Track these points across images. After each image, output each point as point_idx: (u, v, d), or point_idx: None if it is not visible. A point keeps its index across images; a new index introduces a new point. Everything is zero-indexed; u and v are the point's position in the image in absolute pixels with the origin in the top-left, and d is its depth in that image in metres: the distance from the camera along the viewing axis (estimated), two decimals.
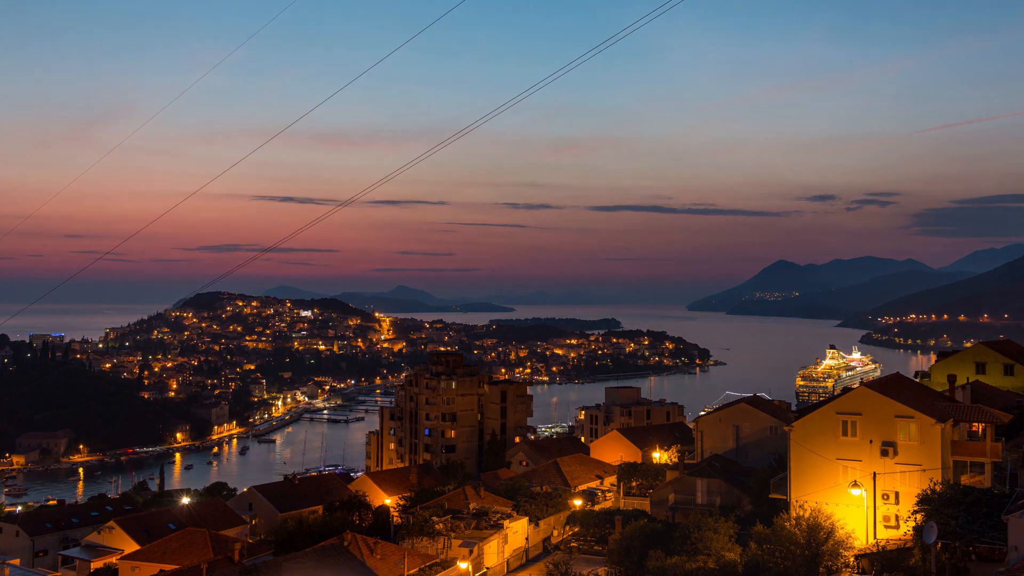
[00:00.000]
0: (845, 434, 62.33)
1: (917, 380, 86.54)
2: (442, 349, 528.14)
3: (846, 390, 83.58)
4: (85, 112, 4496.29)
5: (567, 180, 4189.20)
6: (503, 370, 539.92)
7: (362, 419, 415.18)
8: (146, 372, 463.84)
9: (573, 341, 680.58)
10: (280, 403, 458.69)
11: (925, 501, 55.11)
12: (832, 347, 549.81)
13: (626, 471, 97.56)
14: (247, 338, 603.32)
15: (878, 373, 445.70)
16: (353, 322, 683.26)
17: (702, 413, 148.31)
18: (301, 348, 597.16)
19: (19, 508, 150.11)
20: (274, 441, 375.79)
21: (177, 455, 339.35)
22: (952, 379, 73.63)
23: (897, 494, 60.01)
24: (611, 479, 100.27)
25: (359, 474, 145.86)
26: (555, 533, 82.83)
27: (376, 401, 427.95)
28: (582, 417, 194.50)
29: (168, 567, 65.06)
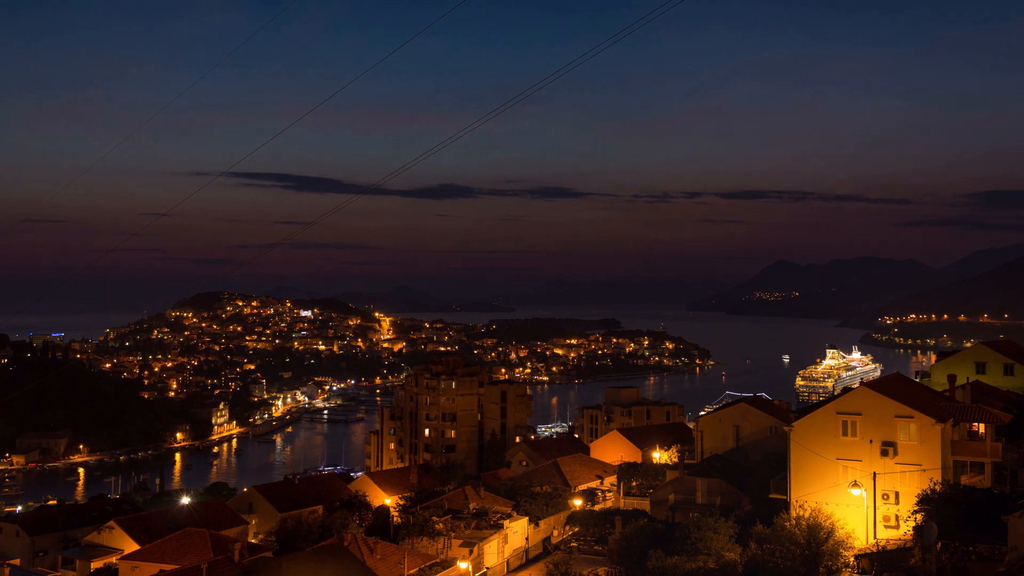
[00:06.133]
0: (845, 434, 62.38)
1: (917, 380, 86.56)
2: (442, 349, 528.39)
3: (846, 390, 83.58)
4: (73, 88, 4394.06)
5: (565, 178, 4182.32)
6: (503, 370, 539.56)
7: (362, 419, 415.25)
8: (146, 372, 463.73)
9: (573, 341, 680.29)
10: (280, 403, 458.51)
11: (925, 501, 55.19)
12: (832, 347, 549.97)
13: (626, 471, 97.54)
14: (247, 338, 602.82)
15: (878, 373, 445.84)
16: (353, 322, 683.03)
17: (702, 413, 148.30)
18: (301, 348, 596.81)
19: (19, 508, 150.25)
20: (274, 441, 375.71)
21: (177, 455, 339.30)
22: (952, 379, 73.71)
23: (897, 494, 60.05)
24: (611, 479, 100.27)
25: (359, 474, 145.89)
26: (555, 533, 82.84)
27: (376, 401, 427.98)
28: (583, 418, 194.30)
29: (168, 567, 65.10)
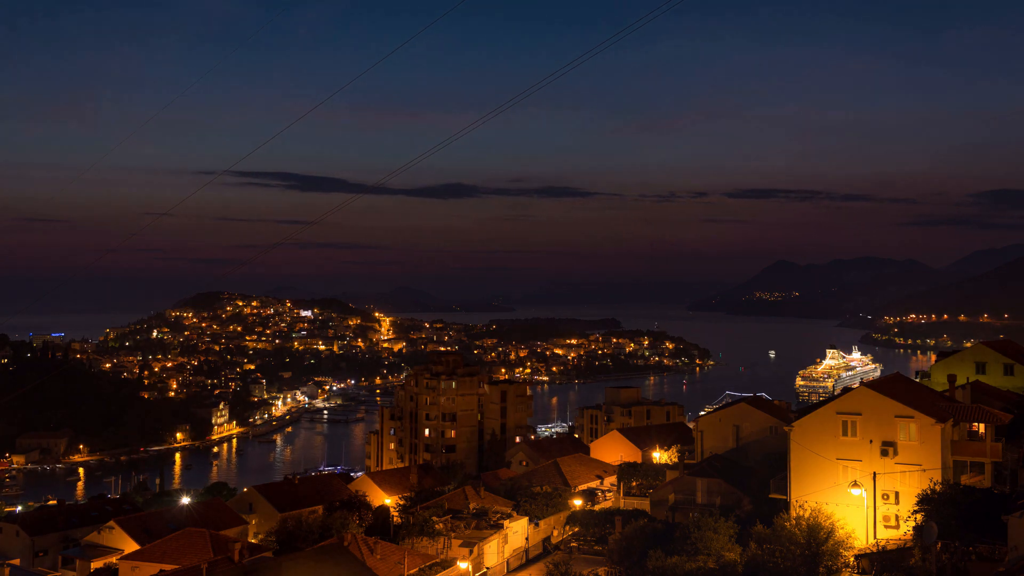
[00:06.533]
0: (845, 434, 62.39)
1: (917, 380, 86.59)
2: (442, 349, 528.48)
3: (846, 390, 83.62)
4: (73, 87, 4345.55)
5: (569, 178, 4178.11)
6: (503, 370, 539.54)
7: (362, 419, 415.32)
8: (146, 372, 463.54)
9: (573, 341, 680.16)
10: (280, 403, 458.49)
11: (925, 501, 55.23)
12: (832, 347, 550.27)
13: (626, 471, 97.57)
14: (247, 338, 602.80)
15: (878, 373, 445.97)
16: (353, 322, 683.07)
17: (702, 413, 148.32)
18: (301, 348, 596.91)
19: (19, 508, 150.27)
20: (274, 441, 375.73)
21: (177, 455, 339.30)
22: (952, 379, 73.74)
23: (897, 494, 60.06)
24: (611, 479, 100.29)
25: (359, 474, 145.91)
26: (555, 533, 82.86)
27: (376, 401, 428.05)
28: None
29: (168, 567, 65.11)
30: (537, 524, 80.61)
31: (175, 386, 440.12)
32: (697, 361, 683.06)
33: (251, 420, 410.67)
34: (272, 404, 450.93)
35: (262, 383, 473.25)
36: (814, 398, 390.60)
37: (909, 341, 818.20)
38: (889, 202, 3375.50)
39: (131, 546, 76.22)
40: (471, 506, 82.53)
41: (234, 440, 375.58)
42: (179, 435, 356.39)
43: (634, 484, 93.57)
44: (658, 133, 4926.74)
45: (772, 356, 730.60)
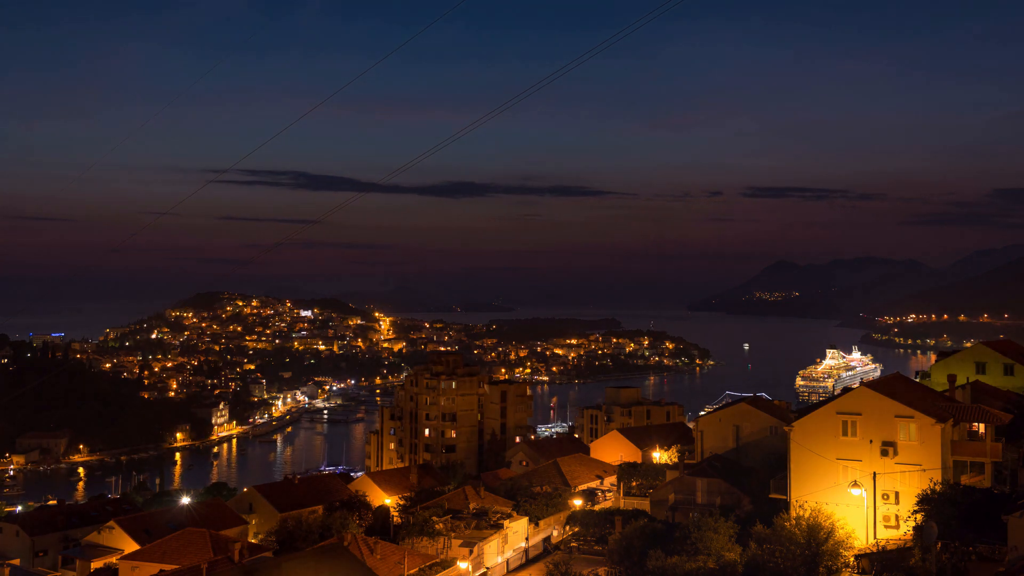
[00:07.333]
0: (845, 434, 62.42)
1: (917, 380, 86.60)
2: (442, 349, 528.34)
3: (846, 390, 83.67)
4: (75, 83, 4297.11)
5: (568, 178, 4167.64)
6: (503, 370, 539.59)
7: (362, 419, 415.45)
8: (146, 372, 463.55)
9: (573, 341, 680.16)
10: (280, 403, 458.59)
11: (925, 501, 55.28)
12: (832, 347, 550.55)
13: (626, 471, 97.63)
14: (247, 338, 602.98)
15: (878, 373, 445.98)
16: (353, 322, 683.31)
17: (702, 413, 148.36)
18: (301, 348, 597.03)
19: (19, 508, 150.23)
20: (274, 441, 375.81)
21: (177, 455, 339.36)
22: (952, 379, 73.76)
23: (897, 494, 60.09)
24: (611, 479, 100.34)
25: (359, 474, 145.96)
26: (555, 533, 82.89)
27: (376, 401, 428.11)
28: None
29: (168, 567, 65.15)
30: (537, 524, 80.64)
31: (175, 386, 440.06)
32: (697, 361, 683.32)
33: (251, 420, 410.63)
34: (272, 404, 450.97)
35: (262, 383, 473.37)
36: (814, 398, 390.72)
37: (909, 341, 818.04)
38: (910, 201, 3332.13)
39: (131, 546, 76.26)
40: (471, 506, 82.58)
41: (234, 440, 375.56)
42: (179, 435, 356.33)
43: (634, 484, 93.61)
44: (671, 131, 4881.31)
45: (747, 348, 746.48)
